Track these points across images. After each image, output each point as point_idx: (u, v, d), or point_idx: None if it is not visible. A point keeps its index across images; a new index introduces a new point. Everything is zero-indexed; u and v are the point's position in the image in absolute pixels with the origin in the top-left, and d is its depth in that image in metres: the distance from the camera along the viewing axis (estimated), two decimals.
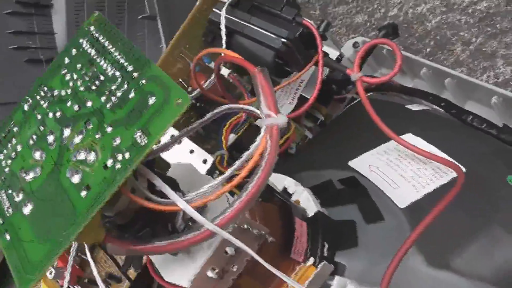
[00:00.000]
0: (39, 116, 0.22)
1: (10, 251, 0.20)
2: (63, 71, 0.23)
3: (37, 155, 0.21)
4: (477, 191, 0.29)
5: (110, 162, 0.18)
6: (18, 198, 0.21)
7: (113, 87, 0.20)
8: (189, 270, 0.23)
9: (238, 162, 0.21)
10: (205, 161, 0.31)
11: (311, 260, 0.25)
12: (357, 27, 0.56)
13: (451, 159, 0.29)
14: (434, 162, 0.30)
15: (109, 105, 0.20)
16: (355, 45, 0.46)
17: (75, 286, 0.34)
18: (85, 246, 0.33)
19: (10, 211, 0.21)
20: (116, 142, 0.19)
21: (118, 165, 0.18)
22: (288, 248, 0.26)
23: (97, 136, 0.20)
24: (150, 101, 0.19)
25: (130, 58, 0.21)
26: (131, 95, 0.19)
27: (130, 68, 0.20)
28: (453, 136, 0.33)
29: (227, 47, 0.32)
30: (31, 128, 0.22)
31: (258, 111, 0.22)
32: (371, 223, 0.28)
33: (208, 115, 0.22)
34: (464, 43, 0.46)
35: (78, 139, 0.20)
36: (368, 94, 0.41)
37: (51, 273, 0.32)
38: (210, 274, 0.23)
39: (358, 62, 0.31)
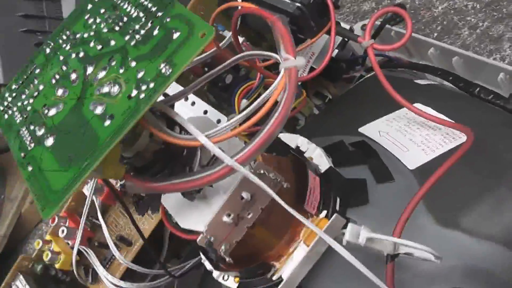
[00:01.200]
0: (61, 57, 0.23)
1: (33, 181, 0.20)
2: (86, 16, 0.23)
3: (60, 92, 0.21)
4: (486, 155, 0.29)
5: (134, 92, 0.19)
6: (40, 133, 0.21)
7: (137, 27, 0.21)
8: (205, 215, 0.23)
9: (258, 101, 0.21)
10: (218, 121, 0.31)
11: (324, 212, 0.26)
12: (364, 14, 0.56)
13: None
14: (443, 128, 0.31)
15: (132, 43, 0.20)
16: (363, 27, 0.47)
17: (85, 249, 0.34)
18: (97, 209, 0.34)
19: (32, 145, 0.21)
20: (140, 74, 0.19)
21: (142, 95, 0.19)
22: (301, 200, 0.26)
23: (121, 70, 0.20)
24: (175, 36, 0.19)
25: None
26: (155, 32, 0.20)
27: (153, 8, 0.21)
28: (461, 107, 0.33)
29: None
30: (53, 69, 0.23)
31: (276, 56, 0.22)
32: (382, 183, 0.28)
33: (227, 62, 0.23)
34: (471, 27, 0.46)
35: (101, 74, 0.20)
36: (373, 73, 0.41)
37: (63, 232, 0.33)
38: (225, 219, 0.23)
39: (369, 29, 0.31)
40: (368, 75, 0.41)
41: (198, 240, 0.24)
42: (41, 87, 0.23)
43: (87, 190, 0.34)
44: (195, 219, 0.24)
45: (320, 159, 0.28)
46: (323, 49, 0.37)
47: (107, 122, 0.19)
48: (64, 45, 0.23)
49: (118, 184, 0.32)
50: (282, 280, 0.25)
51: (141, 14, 0.21)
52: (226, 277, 0.28)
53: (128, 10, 0.21)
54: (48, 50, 0.24)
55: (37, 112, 0.22)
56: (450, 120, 0.31)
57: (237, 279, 0.27)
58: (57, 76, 0.22)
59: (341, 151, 0.30)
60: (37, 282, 0.34)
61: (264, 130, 0.20)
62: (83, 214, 0.32)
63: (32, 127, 0.21)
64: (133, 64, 0.20)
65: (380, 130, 0.32)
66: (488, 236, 0.26)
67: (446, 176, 0.26)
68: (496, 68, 0.37)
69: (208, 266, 0.29)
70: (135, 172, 0.23)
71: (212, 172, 0.20)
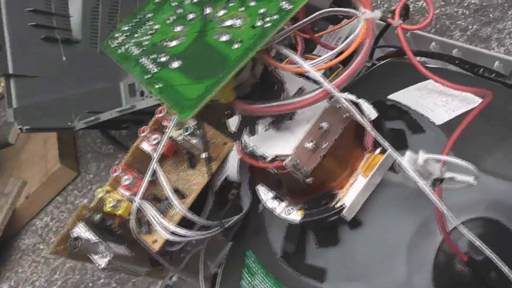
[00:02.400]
0: (173, 4, 0.27)
1: (165, 94, 0.24)
2: None
3: (179, 28, 0.26)
4: (498, 114, 0.35)
5: (258, 23, 0.23)
6: (163, 59, 0.25)
7: None
8: (291, 141, 0.28)
9: (346, 42, 0.26)
10: None
11: (379, 149, 0.31)
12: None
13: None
14: (459, 95, 0.36)
15: None
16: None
17: (142, 202, 0.37)
18: (156, 163, 0.37)
19: (156, 69, 0.25)
20: (262, 10, 0.24)
21: (268, 24, 0.23)
22: (361, 139, 0.31)
23: (241, 9, 0.24)
24: None
25: None
26: None
27: None
28: (470, 81, 0.39)
29: None
30: (167, 13, 0.27)
31: (354, 11, 0.27)
32: (416, 134, 0.34)
33: (311, 16, 0.27)
34: (462, 30, 0.53)
35: (221, 13, 0.25)
36: (386, 60, 0.47)
37: (126, 180, 0.36)
38: (307, 145, 0.28)
39: (399, 10, 0.37)
40: (381, 62, 0.47)
41: (285, 162, 0.28)
42: (156, 26, 0.27)
43: (147, 146, 0.37)
44: (282, 145, 0.28)
45: (369, 110, 0.32)
46: (349, 34, 0.43)
47: (236, 45, 0.23)
48: None
49: (181, 137, 0.36)
50: (344, 207, 0.30)
51: None
52: (289, 211, 0.32)
53: None
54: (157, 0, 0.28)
55: (156, 45, 0.26)
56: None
57: (300, 211, 0.32)
58: (172, 18, 0.26)
59: (380, 108, 0.35)
60: (94, 231, 0.37)
61: (354, 63, 0.25)
62: (152, 160, 0.36)
63: (153, 56, 0.25)
64: (253, 3, 0.24)
65: (407, 97, 0.37)
66: (506, 177, 0.32)
67: (467, 129, 0.31)
68: (492, 57, 0.44)
69: (271, 204, 0.33)
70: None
71: (311, 96, 0.25)
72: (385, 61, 0.47)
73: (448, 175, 0.28)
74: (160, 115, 0.37)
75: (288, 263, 0.35)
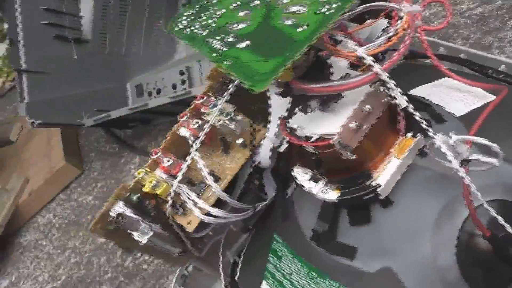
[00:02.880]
0: None
1: (235, 69, 0.27)
2: None
3: (243, 13, 0.29)
4: (509, 108, 0.39)
5: (321, 9, 0.27)
6: (230, 40, 0.28)
7: None
8: (337, 121, 0.31)
9: (390, 33, 0.29)
10: None
11: (410, 133, 0.34)
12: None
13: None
14: (474, 91, 0.40)
15: None
16: None
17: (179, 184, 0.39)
18: (194, 147, 0.39)
19: (224, 48, 0.28)
20: (321, 0, 0.27)
21: (330, 11, 0.26)
22: (394, 124, 0.34)
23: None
24: None
25: None
26: None
27: None
28: (481, 80, 0.43)
29: None
30: (229, 0, 0.30)
31: (395, 5, 0.31)
32: (438, 123, 0.37)
33: (363, 6, 0.31)
34: (464, 38, 0.57)
35: (284, 1, 0.28)
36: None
37: (167, 161, 0.38)
38: (352, 125, 0.31)
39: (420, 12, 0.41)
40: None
41: (333, 139, 0.31)
42: (220, 11, 0.30)
43: (185, 131, 0.40)
44: (329, 124, 0.31)
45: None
46: (369, 36, 0.46)
47: (302, 28, 0.26)
48: None
49: (221, 122, 0.39)
50: (379, 186, 0.33)
51: None
52: (326, 190, 0.35)
53: None
54: None
55: (222, 28, 0.29)
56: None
57: (337, 190, 0.35)
58: (236, 5, 0.29)
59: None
60: (133, 210, 0.39)
61: (400, 49, 0.28)
62: (193, 144, 0.38)
63: (220, 37, 0.28)
64: None
65: (426, 92, 0.41)
66: None
67: (484, 121, 0.35)
68: (497, 61, 0.48)
69: (308, 184, 0.36)
70: None
71: (363, 77, 0.28)
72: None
73: (474, 156, 0.32)
74: (199, 101, 0.40)
75: (318, 243, 0.38)
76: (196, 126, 0.39)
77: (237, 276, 0.48)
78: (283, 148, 0.37)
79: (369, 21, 0.43)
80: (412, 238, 0.35)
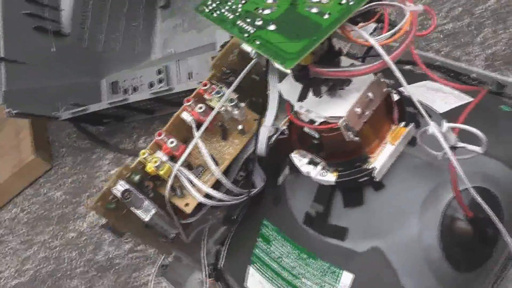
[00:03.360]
0: None
1: (265, 49, 0.30)
2: None
3: (270, 0, 0.32)
4: (484, 110, 0.43)
5: (344, 1, 0.30)
6: (259, 23, 0.31)
7: None
8: (343, 106, 0.34)
9: (395, 29, 0.33)
10: None
11: (403, 123, 0.38)
12: None
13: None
14: (453, 93, 0.45)
15: None
16: None
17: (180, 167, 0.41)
18: (195, 130, 0.42)
19: (253, 30, 0.31)
20: None
21: (351, 2, 0.30)
22: (389, 113, 0.38)
23: None
24: None
25: None
26: None
27: None
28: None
29: None
30: None
31: (400, 4, 0.35)
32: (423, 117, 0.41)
33: (372, 4, 0.34)
34: (435, 51, 0.63)
35: None
36: None
37: (172, 142, 0.41)
38: (357, 109, 0.34)
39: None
40: None
41: (340, 121, 0.34)
42: None
43: (187, 115, 0.42)
44: (335, 108, 0.34)
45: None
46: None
47: (326, 16, 0.30)
48: None
49: (224, 108, 0.42)
50: (375, 169, 0.37)
51: None
52: (324, 173, 0.38)
53: None
54: None
55: (250, 12, 0.32)
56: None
57: (335, 173, 0.38)
58: None
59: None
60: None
61: (405, 42, 0.32)
62: (198, 130, 0.40)
63: (249, 20, 0.31)
64: None
65: (411, 91, 0.45)
66: (495, 156, 0.40)
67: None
68: (468, 70, 0.53)
69: (306, 168, 0.39)
70: None
71: (374, 65, 0.32)
72: None
73: (461, 144, 0.36)
74: (204, 87, 0.42)
75: (310, 226, 0.41)
76: (200, 110, 0.41)
77: (221, 264, 0.50)
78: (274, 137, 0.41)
79: (360, 24, 0.48)
80: (400, 219, 0.39)
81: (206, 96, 0.43)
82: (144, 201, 0.40)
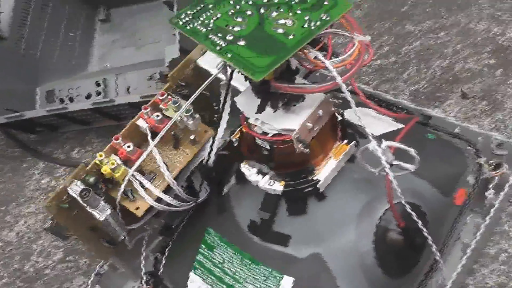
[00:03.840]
0: (231, 2, 0.37)
1: (236, 61, 0.33)
2: None
3: (239, 19, 0.36)
4: (413, 135, 0.49)
5: (306, 25, 0.35)
6: (229, 38, 0.35)
7: None
8: (298, 120, 0.38)
9: (347, 54, 0.38)
10: None
11: (345, 141, 0.43)
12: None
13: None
14: (384, 119, 0.50)
15: (294, 1, 0.36)
16: None
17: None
18: (150, 138, 0.44)
19: (224, 44, 0.34)
20: (307, 17, 0.35)
21: (313, 27, 0.34)
22: (334, 132, 0.42)
23: (290, 14, 0.35)
24: (325, 3, 0.36)
25: None
26: None
27: None
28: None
29: None
30: (226, 7, 0.36)
31: (351, 35, 0.40)
32: (361, 138, 0.46)
33: (326, 31, 0.39)
34: (365, 84, 0.69)
35: (274, 14, 0.36)
36: None
37: (129, 147, 0.43)
38: (308, 124, 0.39)
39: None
40: None
41: (294, 133, 0.38)
42: (219, 15, 0.36)
43: (143, 123, 0.45)
44: (289, 122, 0.38)
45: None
46: None
47: (291, 37, 0.34)
48: None
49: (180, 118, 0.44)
50: (319, 181, 0.41)
51: None
52: (272, 182, 0.42)
53: None
54: None
55: (221, 27, 0.35)
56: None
57: (282, 183, 0.42)
58: (232, 11, 0.36)
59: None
60: None
61: (354, 67, 0.37)
62: (154, 137, 0.43)
63: (220, 35, 0.35)
64: (299, 12, 0.35)
65: (349, 116, 0.50)
66: (423, 176, 0.46)
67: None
68: (396, 102, 0.60)
69: (254, 177, 0.43)
70: None
71: (327, 84, 0.36)
72: None
73: (396, 162, 0.41)
74: (161, 97, 0.45)
75: (254, 233, 0.45)
76: (158, 118, 0.44)
77: (160, 270, 0.52)
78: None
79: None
80: (339, 228, 0.43)
81: (162, 105, 0.45)
82: (100, 201, 0.41)
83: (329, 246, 0.43)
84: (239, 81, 0.44)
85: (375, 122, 0.50)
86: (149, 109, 0.44)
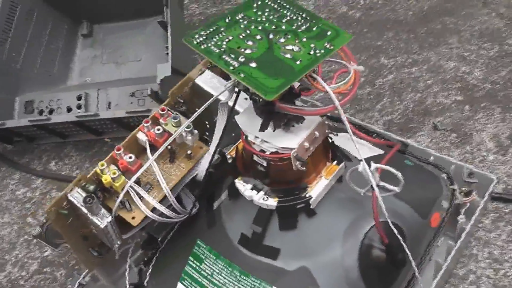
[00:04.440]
0: (241, 26, 0.40)
1: (248, 81, 0.37)
2: (254, 9, 0.41)
3: (250, 43, 0.39)
4: (394, 160, 0.54)
5: (312, 52, 0.38)
6: (241, 60, 0.38)
7: (299, 23, 0.40)
8: (296, 139, 0.42)
9: (343, 82, 0.42)
10: None
11: (335, 162, 0.46)
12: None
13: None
14: (367, 145, 0.55)
15: (299, 30, 0.40)
16: None
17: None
18: (148, 149, 0.47)
19: (237, 65, 0.38)
20: (312, 45, 0.39)
21: (318, 54, 0.38)
22: (327, 153, 0.46)
23: (297, 41, 0.39)
24: (328, 33, 0.40)
25: (303, 12, 0.41)
26: (314, 28, 0.40)
27: (308, 17, 0.41)
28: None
29: None
30: (237, 30, 0.40)
31: (345, 63, 0.44)
32: (347, 161, 0.50)
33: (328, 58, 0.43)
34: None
35: (282, 40, 0.39)
36: None
37: (130, 158, 0.45)
38: (305, 144, 0.42)
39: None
40: None
41: (292, 152, 0.41)
42: (230, 37, 0.39)
43: (142, 135, 0.47)
44: (288, 141, 0.42)
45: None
46: None
47: (298, 62, 0.38)
48: (241, 20, 0.40)
49: (179, 133, 0.47)
50: (311, 198, 0.44)
51: (299, 18, 0.41)
52: (266, 198, 0.45)
53: (287, 13, 0.41)
54: (227, 20, 0.40)
55: (233, 49, 0.38)
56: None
57: (276, 199, 0.45)
58: (243, 35, 0.39)
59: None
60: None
61: (350, 93, 0.41)
62: (155, 152, 0.45)
63: (233, 56, 0.38)
64: (305, 39, 0.39)
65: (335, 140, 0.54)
66: (403, 199, 0.50)
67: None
68: (373, 129, 0.64)
69: (249, 193, 0.45)
70: None
71: (326, 107, 0.40)
72: None
73: (381, 183, 0.45)
74: (162, 112, 0.47)
75: (245, 246, 0.47)
76: (158, 132, 0.46)
77: (145, 282, 0.53)
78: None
79: None
80: (326, 243, 0.46)
81: (161, 120, 0.48)
82: (101, 208, 0.43)
83: (317, 260, 0.46)
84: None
85: (358, 147, 0.54)
86: (150, 122, 0.47)
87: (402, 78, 0.78)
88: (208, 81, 0.52)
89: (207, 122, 0.54)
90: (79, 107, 0.78)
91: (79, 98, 0.78)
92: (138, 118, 0.72)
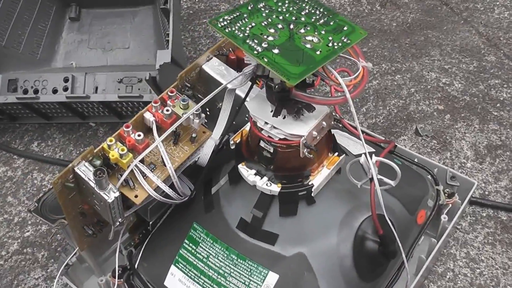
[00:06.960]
0: (263, 14, 0.42)
1: (272, 65, 0.38)
2: (274, 0, 0.43)
3: (272, 30, 0.41)
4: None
5: (330, 44, 0.41)
6: (264, 46, 0.40)
7: (317, 17, 0.43)
8: (306, 127, 0.44)
9: (350, 78, 0.44)
10: None
11: (336, 153, 0.49)
12: None
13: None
14: (360, 143, 0.57)
15: (318, 23, 0.42)
16: None
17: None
18: (154, 130, 0.48)
19: (260, 49, 0.40)
20: (330, 38, 0.41)
21: (336, 46, 0.41)
22: (330, 144, 0.48)
23: (316, 33, 0.41)
24: (344, 28, 0.42)
25: (321, 7, 0.43)
26: (331, 23, 0.42)
27: (326, 12, 0.43)
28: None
29: None
30: (260, 18, 0.42)
31: (355, 60, 0.46)
32: (346, 155, 0.52)
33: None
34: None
35: (302, 31, 0.41)
36: None
37: (139, 135, 0.46)
38: (314, 133, 0.44)
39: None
40: None
41: (303, 138, 0.43)
42: (253, 24, 0.41)
43: (149, 115, 0.48)
44: (298, 128, 0.44)
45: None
46: None
47: (318, 52, 0.40)
48: (262, 8, 0.42)
49: (187, 115, 0.48)
50: (313, 186, 0.46)
51: (318, 12, 0.43)
52: (269, 184, 0.47)
53: (306, 7, 0.43)
54: (249, 7, 0.42)
55: (256, 35, 0.40)
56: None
57: (279, 184, 0.47)
58: (265, 23, 0.41)
59: None
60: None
61: (360, 87, 0.44)
62: (163, 132, 0.46)
63: (256, 41, 0.40)
64: (323, 32, 0.41)
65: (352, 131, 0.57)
66: (393, 195, 0.52)
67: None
68: (363, 130, 0.67)
69: (252, 178, 0.47)
70: None
71: (337, 97, 0.42)
72: None
73: (379, 176, 0.47)
74: (171, 94, 0.49)
75: (243, 231, 0.49)
76: (167, 113, 0.47)
77: (136, 264, 0.54)
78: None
79: None
80: (323, 231, 0.48)
81: (169, 102, 0.49)
82: (109, 183, 0.44)
83: (313, 247, 0.48)
84: (240, 89, 0.49)
85: (351, 143, 0.57)
86: (159, 103, 0.48)
87: (386, 84, 0.81)
88: (215, 68, 0.53)
89: (208, 109, 0.55)
90: (65, 89, 0.78)
91: (66, 80, 0.78)
92: (128, 104, 0.73)
